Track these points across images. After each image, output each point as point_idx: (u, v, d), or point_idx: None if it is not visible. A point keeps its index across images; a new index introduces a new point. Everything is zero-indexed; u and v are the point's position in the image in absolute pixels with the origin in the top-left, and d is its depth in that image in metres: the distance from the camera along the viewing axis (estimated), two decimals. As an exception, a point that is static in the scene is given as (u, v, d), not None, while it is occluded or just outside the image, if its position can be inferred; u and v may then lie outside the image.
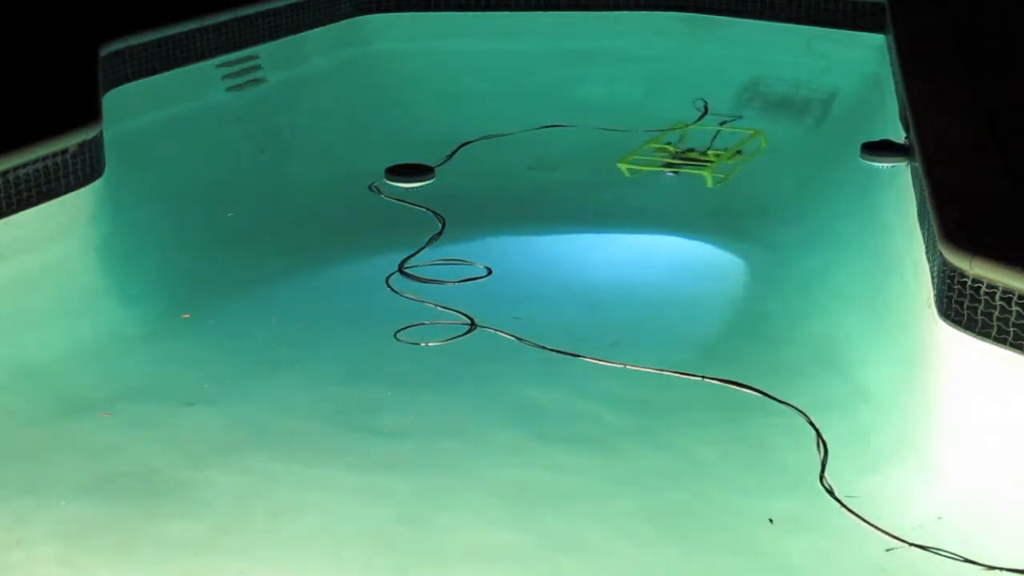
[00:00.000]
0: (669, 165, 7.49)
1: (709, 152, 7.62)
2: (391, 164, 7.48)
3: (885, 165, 6.82)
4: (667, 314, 6.19)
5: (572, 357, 5.69)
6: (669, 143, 7.70)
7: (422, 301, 6.16)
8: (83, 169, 5.91)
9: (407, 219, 7.09)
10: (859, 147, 7.04)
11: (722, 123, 7.97)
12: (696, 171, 7.43)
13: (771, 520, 4.61)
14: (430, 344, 5.81)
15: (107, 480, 4.84)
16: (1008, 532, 4.40)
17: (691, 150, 7.63)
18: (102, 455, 5.00)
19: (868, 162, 7.00)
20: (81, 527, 4.58)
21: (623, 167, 7.46)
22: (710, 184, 7.32)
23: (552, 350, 5.74)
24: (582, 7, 8.70)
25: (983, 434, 4.60)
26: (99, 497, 4.74)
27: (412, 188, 7.36)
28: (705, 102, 8.28)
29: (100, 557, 4.44)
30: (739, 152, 7.62)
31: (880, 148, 6.92)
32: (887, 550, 4.40)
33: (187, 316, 6.05)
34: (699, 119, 8.16)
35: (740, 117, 8.13)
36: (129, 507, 4.70)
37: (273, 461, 4.98)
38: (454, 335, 5.87)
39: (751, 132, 7.82)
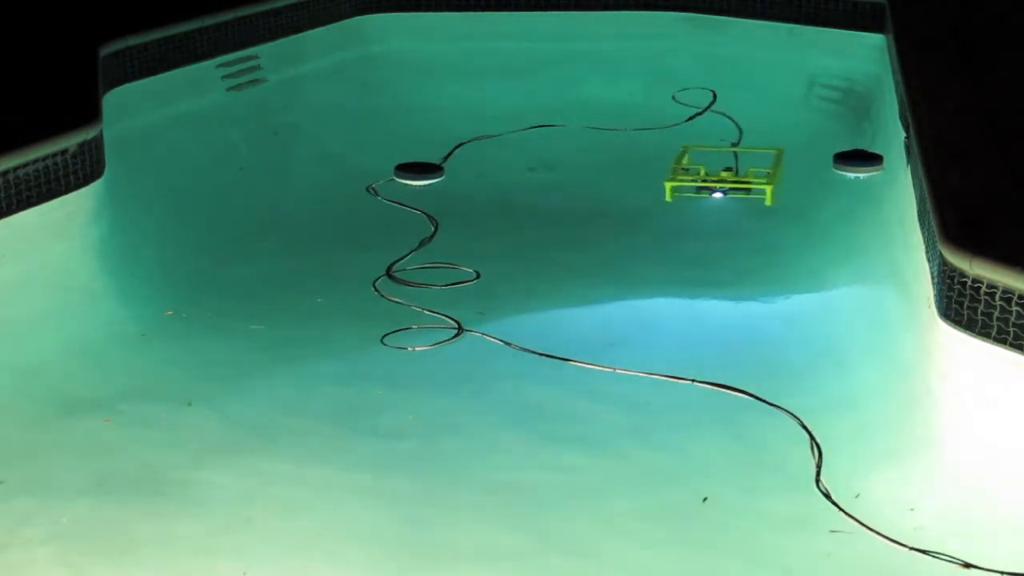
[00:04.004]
0: (713, 185, 7.16)
1: (750, 171, 7.29)
2: (392, 164, 7.48)
3: (858, 175, 6.81)
4: (661, 315, 6.19)
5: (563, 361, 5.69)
6: (698, 173, 7.38)
7: (408, 305, 6.15)
8: (83, 169, 5.91)
9: (405, 221, 7.09)
10: (832, 157, 7.04)
11: (733, 144, 7.84)
12: (758, 186, 7.09)
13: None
14: (416, 349, 5.80)
15: (107, 480, 4.84)
16: (1007, 533, 4.40)
17: (728, 169, 7.33)
18: (102, 455, 5.00)
19: (841, 172, 6.99)
20: (81, 527, 4.58)
21: (667, 190, 7.14)
22: (769, 202, 7.02)
23: (540, 354, 5.71)
24: (582, 7, 8.70)
25: (983, 435, 4.60)
26: (99, 497, 4.74)
27: (422, 186, 7.36)
28: (713, 92, 8.28)
29: (100, 557, 4.44)
30: (771, 171, 7.26)
31: (852, 158, 6.91)
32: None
33: (170, 313, 6.05)
34: (699, 113, 8.14)
35: (740, 130, 8.00)
36: (129, 507, 4.70)
37: (273, 461, 4.98)
38: (441, 340, 5.86)
39: (775, 151, 7.47)
